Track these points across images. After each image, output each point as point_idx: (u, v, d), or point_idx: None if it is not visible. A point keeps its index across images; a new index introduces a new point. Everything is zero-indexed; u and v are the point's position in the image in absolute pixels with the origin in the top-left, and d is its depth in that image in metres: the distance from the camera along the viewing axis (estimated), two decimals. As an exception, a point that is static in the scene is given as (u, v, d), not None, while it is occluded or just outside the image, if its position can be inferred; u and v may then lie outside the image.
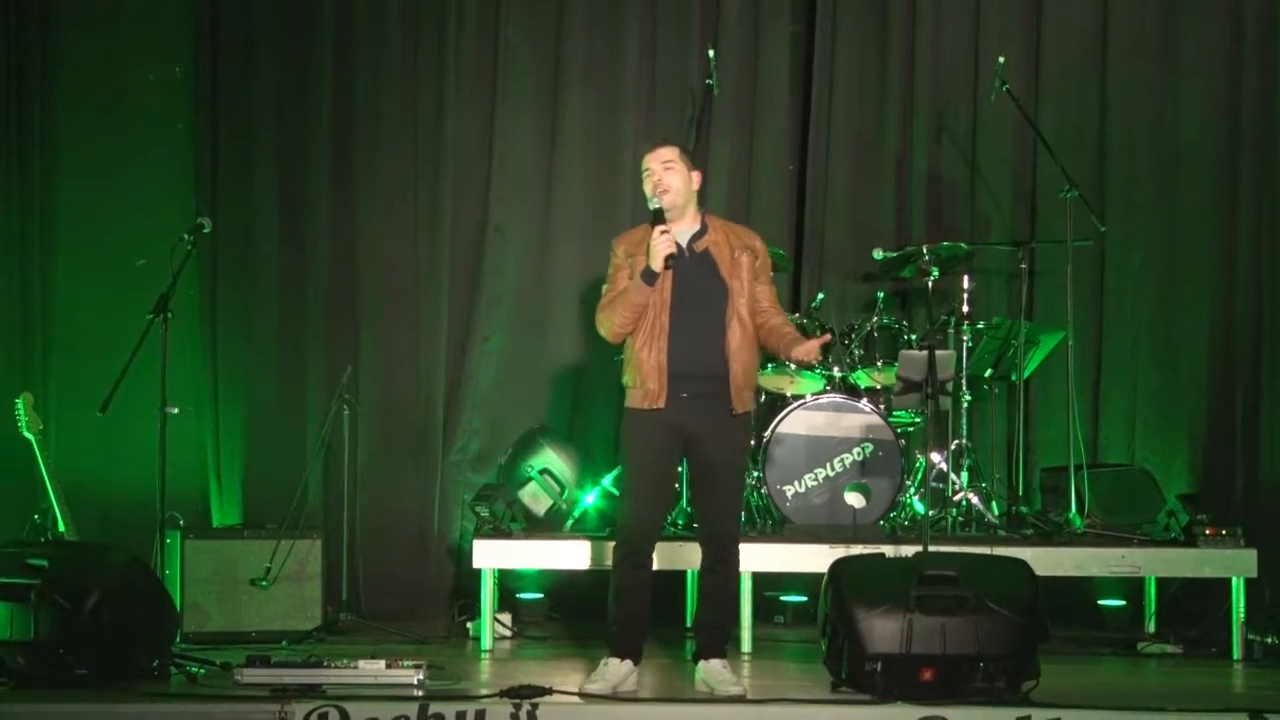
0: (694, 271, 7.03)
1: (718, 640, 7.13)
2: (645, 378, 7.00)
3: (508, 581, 9.23)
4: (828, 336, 7.53)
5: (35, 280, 9.78)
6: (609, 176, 10.03)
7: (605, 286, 7.20)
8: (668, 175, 7.08)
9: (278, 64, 9.96)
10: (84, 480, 9.25)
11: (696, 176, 7.18)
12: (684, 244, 7.10)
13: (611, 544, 7.26)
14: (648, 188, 7.11)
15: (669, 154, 7.12)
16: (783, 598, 9.51)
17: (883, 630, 6.72)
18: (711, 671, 7.04)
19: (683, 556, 8.04)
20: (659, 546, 7.21)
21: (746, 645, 8.42)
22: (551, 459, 9.07)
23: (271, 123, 9.95)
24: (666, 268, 6.94)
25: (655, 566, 7.17)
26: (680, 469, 7.60)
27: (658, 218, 7.00)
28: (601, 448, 9.76)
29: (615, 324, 7.06)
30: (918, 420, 9.25)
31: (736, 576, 7.30)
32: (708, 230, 7.15)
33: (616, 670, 7.00)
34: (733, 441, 7.18)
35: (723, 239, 7.14)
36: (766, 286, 7.24)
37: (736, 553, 7.18)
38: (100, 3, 9.96)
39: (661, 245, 6.92)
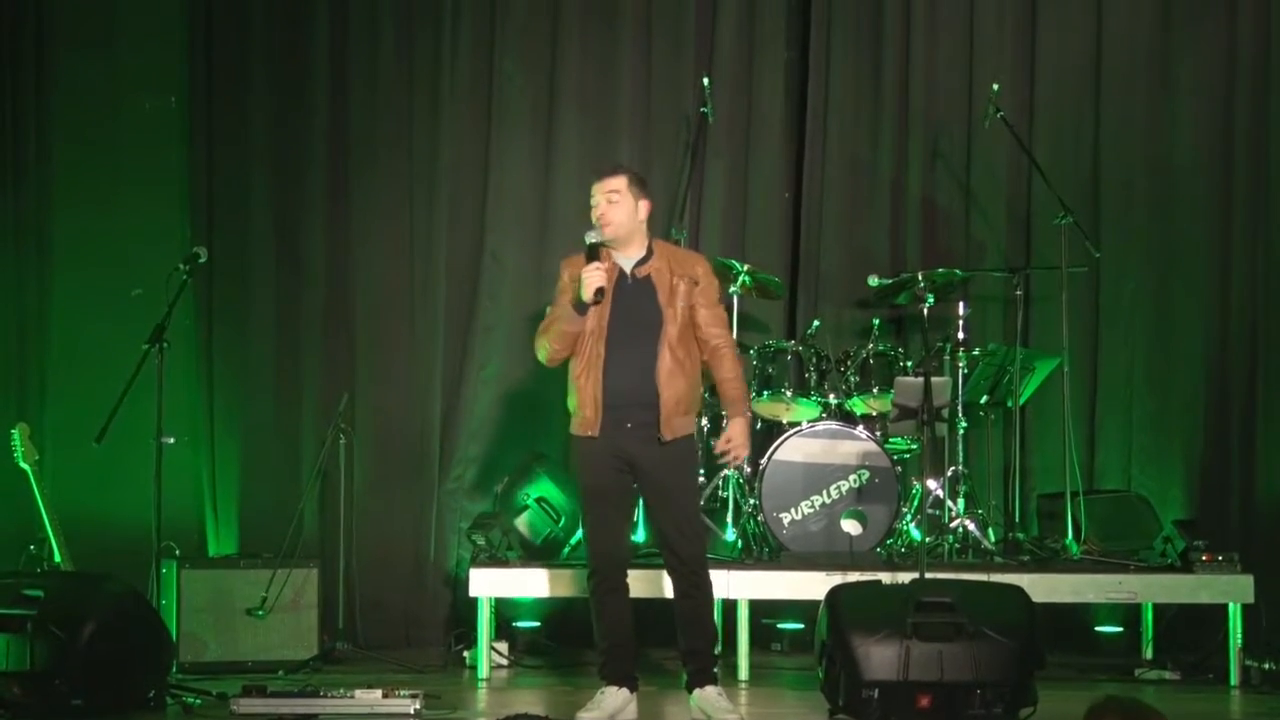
0: (633, 299, 7.05)
1: (707, 666, 7.11)
2: (582, 405, 7.03)
3: (504, 610, 9.20)
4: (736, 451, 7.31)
5: (31, 310, 9.78)
6: (604, 203, 10.03)
7: (549, 308, 7.23)
8: (611, 209, 7.07)
9: (272, 93, 9.98)
10: (80, 510, 9.22)
11: (645, 206, 7.16)
12: (627, 270, 7.12)
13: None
14: (592, 216, 7.12)
15: (615, 183, 7.10)
16: (780, 625, 9.50)
17: (880, 657, 6.71)
18: (707, 699, 7.03)
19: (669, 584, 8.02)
20: (647, 575, 7.21)
21: (744, 673, 8.43)
22: (547, 487, 9.06)
23: (266, 152, 9.96)
24: (595, 301, 6.96)
25: (646, 594, 7.17)
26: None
27: (591, 252, 6.99)
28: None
29: (550, 350, 7.08)
30: (914, 447, 9.24)
31: (711, 598, 7.25)
32: (652, 256, 7.15)
33: (614, 698, 7.00)
34: (676, 466, 7.11)
35: (665, 266, 7.12)
36: (710, 310, 7.16)
37: (706, 574, 7.16)
38: (95, 32, 9.97)
39: (592, 279, 6.93)
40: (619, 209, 7.07)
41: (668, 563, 7.16)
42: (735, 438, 7.17)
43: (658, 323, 7.04)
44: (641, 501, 7.55)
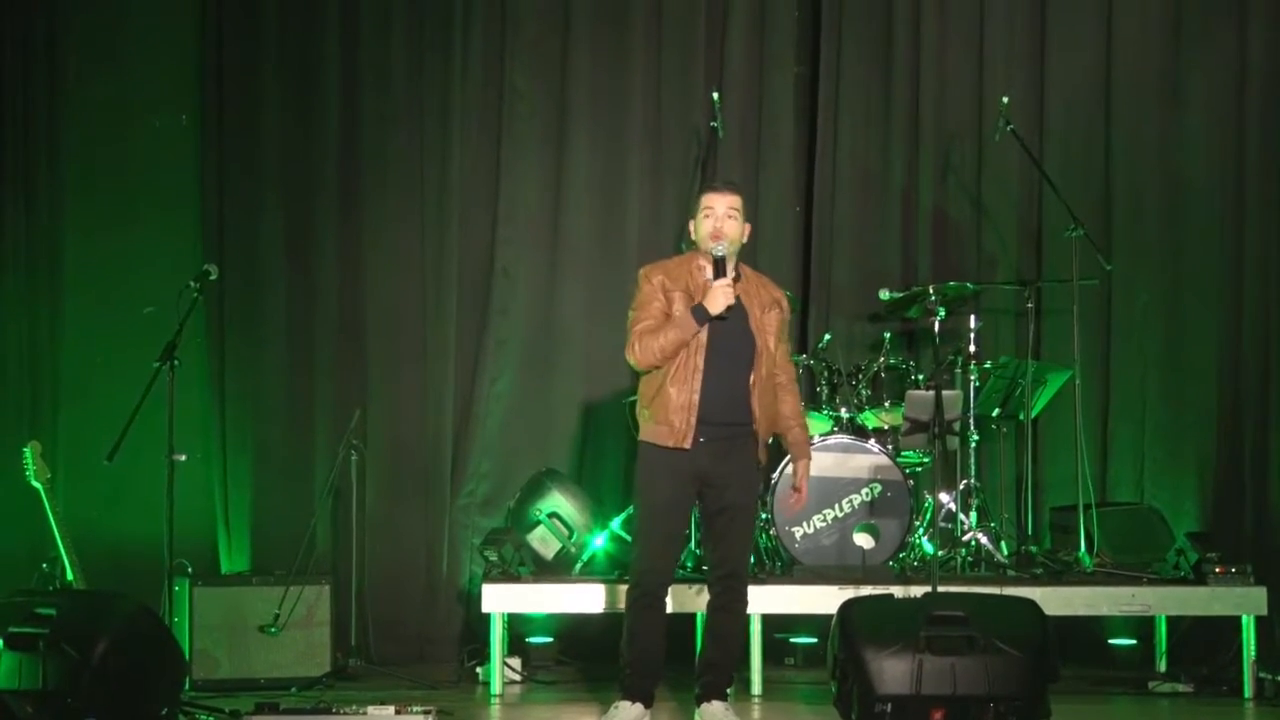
0: (728, 318, 7.05)
1: (722, 682, 7.15)
2: (672, 415, 7.00)
3: (517, 625, 9.20)
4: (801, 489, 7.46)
5: (43, 328, 9.80)
6: (615, 218, 10.05)
7: (634, 313, 7.17)
8: (728, 223, 7.11)
9: (283, 110, 9.98)
10: (92, 528, 9.24)
11: (748, 229, 7.27)
12: None
13: (622, 587, 7.25)
14: (705, 227, 7.11)
15: (735, 201, 7.17)
16: (793, 640, 9.48)
17: (893, 671, 6.69)
18: (713, 714, 7.05)
19: (694, 599, 8.02)
20: (669, 589, 7.21)
21: (757, 687, 8.42)
22: (560, 502, 9.07)
23: (278, 169, 9.97)
24: (721, 318, 6.98)
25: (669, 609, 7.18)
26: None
27: (719, 265, 7.05)
28: (610, 491, 9.76)
29: (655, 354, 7.01)
30: (926, 460, 9.24)
31: (745, 616, 7.33)
32: (741, 278, 7.17)
33: (629, 713, 7.01)
34: (750, 486, 7.24)
35: (754, 290, 7.18)
36: (785, 346, 7.34)
37: (747, 593, 7.23)
38: (106, 52, 9.99)
39: (724, 295, 6.97)
40: (734, 226, 7.15)
41: (712, 575, 7.21)
42: (804, 486, 7.35)
43: (750, 344, 7.10)
44: (698, 517, 7.58)
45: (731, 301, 6.99)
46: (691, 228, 7.27)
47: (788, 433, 7.35)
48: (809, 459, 7.40)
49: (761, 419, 7.12)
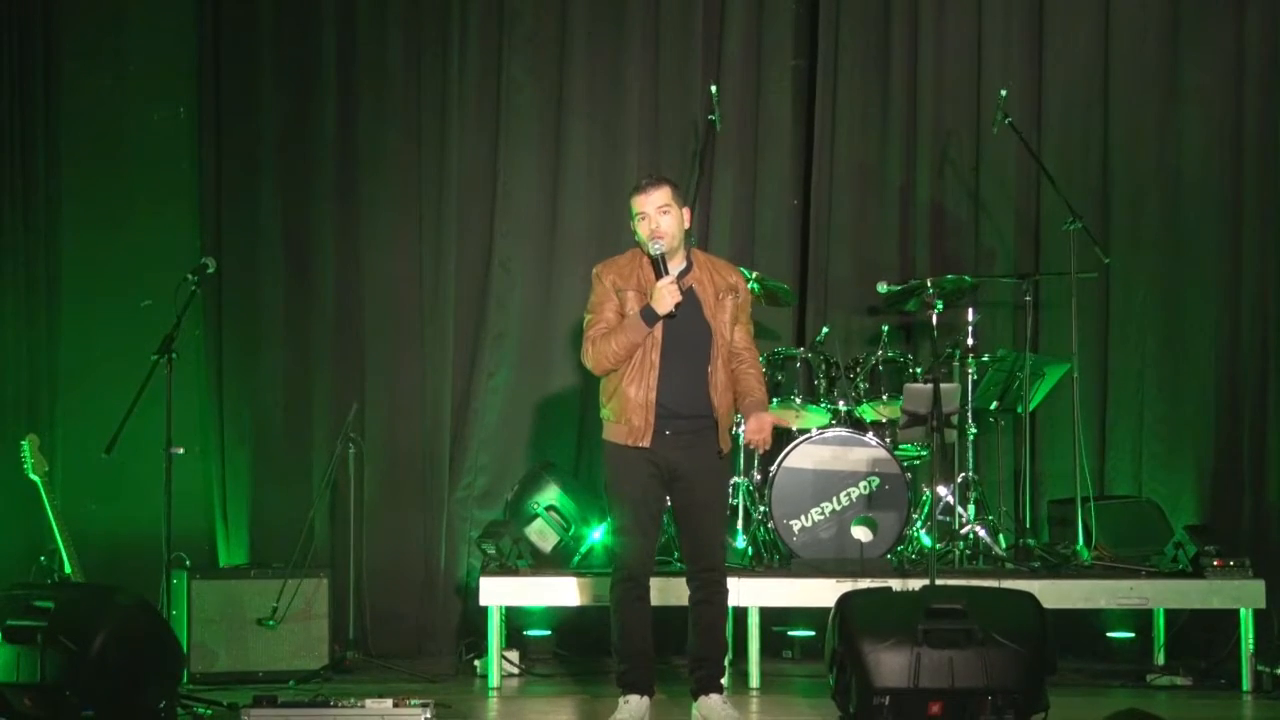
0: (682, 310, 7.01)
1: (715, 674, 7.13)
2: (630, 414, 7.00)
3: (515, 619, 9.20)
4: (775, 420, 7.33)
5: (41, 321, 9.79)
6: (612, 212, 10.01)
7: (589, 316, 7.17)
8: (663, 219, 7.04)
9: (281, 104, 9.98)
10: (90, 521, 9.24)
11: (687, 214, 7.17)
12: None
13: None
14: (643, 230, 7.09)
15: (663, 197, 7.06)
16: (790, 633, 9.49)
17: (890, 664, 6.70)
18: (712, 708, 7.05)
19: (682, 591, 8.00)
20: (658, 582, 7.22)
21: (755, 680, 8.42)
22: (557, 495, 9.06)
23: (276, 163, 9.96)
24: (670, 316, 6.96)
25: (657, 602, 7.18)
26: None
27: (659, 264, 7.00)
28: (608, 484, 9.75)
29: (609, 359, 7.03)
30: (924, 453, 9.24)
31: (726, 607, 7.29)
32: (692, 267, 7.14)
33: (638, 706, 7.02)
34: (717, 478, 7.22)
35: (706, 278, 7.13)
36: (744, 327, 7.23)
37: (726, 583, 7.22)
38: (104, 45, 9.99)
39: (670, 295, 6.93)
40: (670, 219, 7.06)
41: (691, 569, 7.20)
42: (766, 427, 7.16)
43: (706, 336, 7.07)
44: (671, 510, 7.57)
45: (678, 299, 6.96)
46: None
47: (743, 401, 7.17)
48: (768, 412, 7.21)
49: (721, 408, 7.08)
